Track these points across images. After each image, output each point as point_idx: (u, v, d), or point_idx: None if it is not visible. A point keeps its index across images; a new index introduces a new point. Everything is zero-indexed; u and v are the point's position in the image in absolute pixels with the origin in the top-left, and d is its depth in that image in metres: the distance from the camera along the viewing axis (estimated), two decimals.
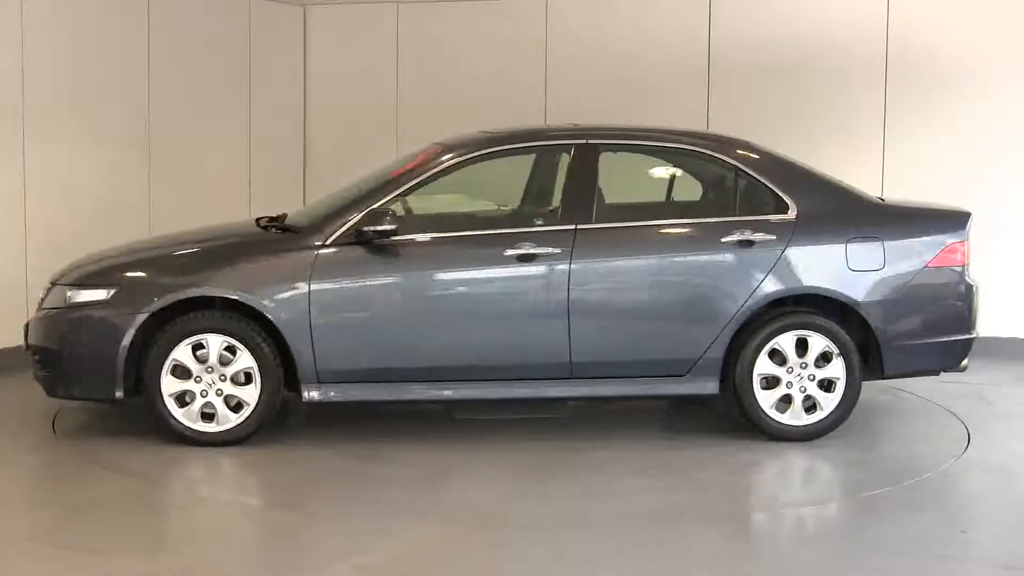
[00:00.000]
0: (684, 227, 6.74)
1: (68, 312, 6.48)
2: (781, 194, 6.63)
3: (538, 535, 5.13)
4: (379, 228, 6.36)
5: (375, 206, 6.46)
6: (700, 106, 9.46)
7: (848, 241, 6.56)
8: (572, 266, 6.44)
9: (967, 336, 6.72)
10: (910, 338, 6.62)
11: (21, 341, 6.91)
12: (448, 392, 6.51)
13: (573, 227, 6.51)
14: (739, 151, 6.80)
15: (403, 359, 6.46)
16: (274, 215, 7.21)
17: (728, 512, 5.60)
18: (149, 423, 6.79)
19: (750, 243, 6.51)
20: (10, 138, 8.07)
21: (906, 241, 6.66)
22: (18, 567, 4.72)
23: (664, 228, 6.74)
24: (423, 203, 6.93)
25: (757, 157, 6.78)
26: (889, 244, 6.59)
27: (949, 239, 6.65)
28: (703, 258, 6.57)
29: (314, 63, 10.78)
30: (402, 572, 4.73)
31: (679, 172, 7.14)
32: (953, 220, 6.78)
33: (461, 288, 6.54)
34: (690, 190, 7.17)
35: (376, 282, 6.47)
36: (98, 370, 6.38)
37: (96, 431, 6.88)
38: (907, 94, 9.01)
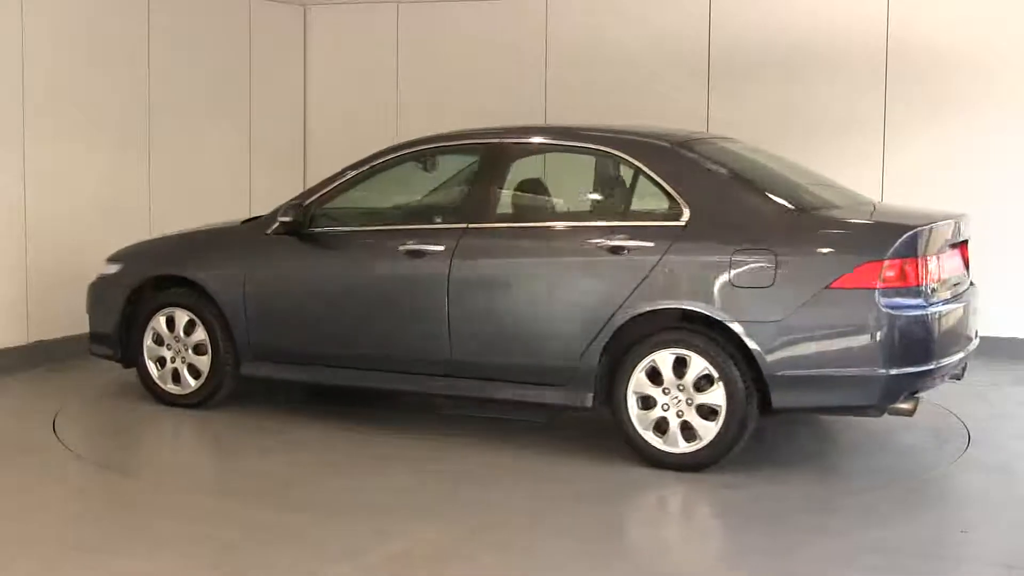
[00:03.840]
0: (564, 230, 6.46)
1: (97, 282, 7.48)
2: (677, 197, 6.06)
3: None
4: (285, 220, 6.80)
5: (298, 201, 6.87)
6: (700, 106, 9.46)
7: (734, 253, 5.84)
8: (453, 265, 6.39)
9: (889, 372, 5.69)
10: (802, 368, 5.76)
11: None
12: (350, 379, 6.76)
13: (464, 226, 6.48)
14: (647, 150, 6.31)
15: (310, 344, 6.83)
16: None
17: (733, 508, 5.60)
18: (148, 424, 6.80)
19: (622, 250, 6.07)
20: (10, 138, 8.07)
21: (805, 257, 5.79)
22: (18, 568, 4.71)
23: (545, 230, 6.49)
24: (370, 197, 7.10)
25: (665, 158, 6.26)
26: (783, 259, 5.74)
27: (862, 258, 5.67)
28: (574, 264, 6.21)
29: (314, 63, 10.78)
30: None
31: (588, 173, 6.84)
32: (878, 236, 5.85)
33: (358, 280, 6.73)
34: (598, 191, 6.90)
35: (290, 271, 6.90)
36: (107, 332, 7.34)
37: (96, 432, 6.88)
38: (907, 94, 9.00)
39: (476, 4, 10.19)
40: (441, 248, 6.43)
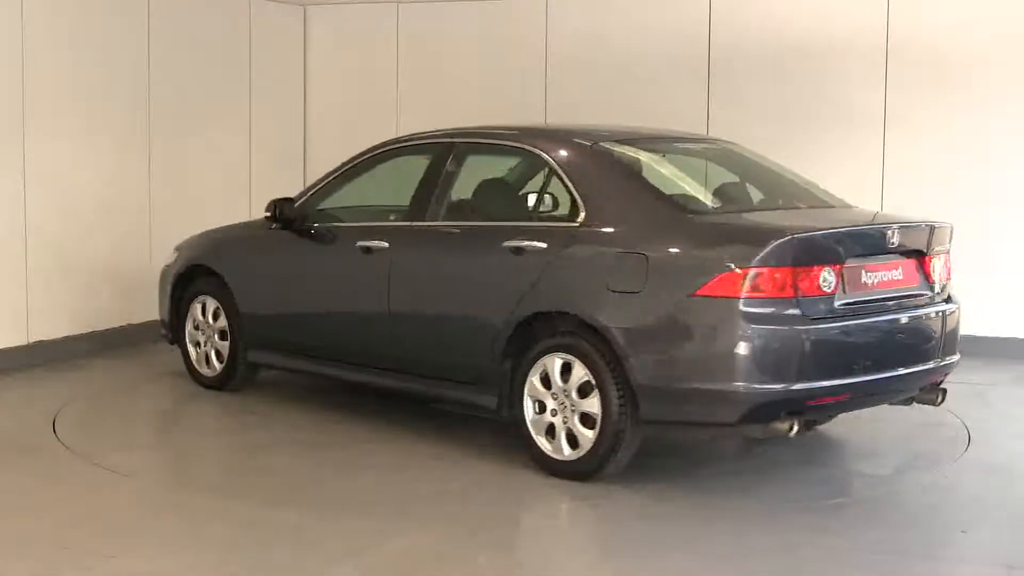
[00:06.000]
0: (483, 230, 6.40)
1: (163, 270, 7.93)
2: (577, 198, 5.91)
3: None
4: (267, 215, 7.16)
5: (288, 198, 7.16)
6: (700, 105, 9.46)
7: (614, 257, 5.64)
8: (392, 262, 6.55)
9: (753, 389, 5.30)
10: (666, 379, 5.47)
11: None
12: (322, 370, 7.05)
13: (409, 224, 6.65)
14: (562, 150, 6.19)
15: (291, 334, 7.16)
16: None
17: (733, 509, 5.59)
18: (148, 422, 6.79)
19: (522, 251, 5.98)
20: (10, 138, 8.07)
21: (671, 262, 5.53)
22: (19, 569, 4.71)
23: (467, 231, 6.50)
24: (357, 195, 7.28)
25: (579, 158, 6.14)
26: (653, 263, 5.50)
27: (725, 265, 5.31)
28: (480, 264, 6.24)
29: (314, 63, 10.79)
30: None
31: (516, 173, 6.83)
32: (746, 243, 5.41)
33: (323, 274, 7.00)
34: (521, 191, 6.79)
35: (277, 265, 7.28)
36: (164, 317, 7.88)
37: (96, 432, 6.87)
38: (907, 93, 9.00)
39: (476, 4, 10.20)
40: (385, 245, 6.62)
